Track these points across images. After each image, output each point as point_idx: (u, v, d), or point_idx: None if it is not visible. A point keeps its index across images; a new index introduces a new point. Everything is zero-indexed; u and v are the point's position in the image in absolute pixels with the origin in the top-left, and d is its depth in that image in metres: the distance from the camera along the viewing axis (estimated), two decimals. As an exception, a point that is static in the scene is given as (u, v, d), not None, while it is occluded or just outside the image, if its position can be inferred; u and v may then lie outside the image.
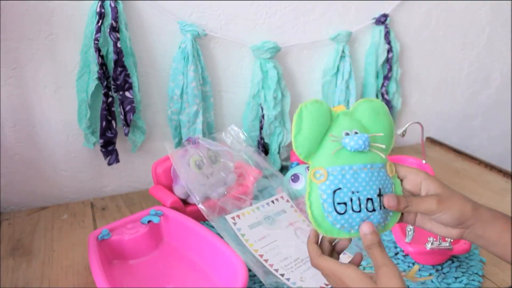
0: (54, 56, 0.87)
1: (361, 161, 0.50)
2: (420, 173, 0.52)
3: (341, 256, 0.57)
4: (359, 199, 0.50)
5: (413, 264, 0.73)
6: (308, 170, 0.52)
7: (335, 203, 0.49)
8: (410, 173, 0.53)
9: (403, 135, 0.83)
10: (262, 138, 1.05)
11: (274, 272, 0.68)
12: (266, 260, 0.69)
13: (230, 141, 0.90)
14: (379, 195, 0.51)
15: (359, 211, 0.50)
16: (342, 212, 0.49)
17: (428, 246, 0.67)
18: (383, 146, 0.52)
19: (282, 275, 0.67)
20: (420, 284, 0.69)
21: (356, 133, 0.51)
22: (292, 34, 1.05)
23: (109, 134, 0.90)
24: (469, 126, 1.41)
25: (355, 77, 1.09)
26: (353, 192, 0.50)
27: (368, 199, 0.50)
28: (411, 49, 1.21)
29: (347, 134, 0.51)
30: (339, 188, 0.50)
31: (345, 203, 0.50)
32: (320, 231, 0.50)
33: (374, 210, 0.50)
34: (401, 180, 0.53)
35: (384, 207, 0.51)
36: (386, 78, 1.15)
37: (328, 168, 0.50)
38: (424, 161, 0.91)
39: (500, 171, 1.09)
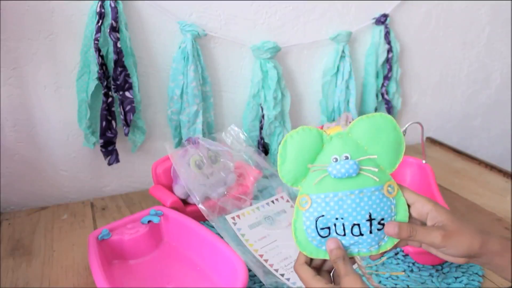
0: (54, 56, 0.87)
1: (348, 187, 0.49)
2: (428, 203, 0.50)
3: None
4: (343, 225, 0.50)
5: (413, 264, 0.73)
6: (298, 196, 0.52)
7: (318, 229, 0.50)
8: (418, 202, 0.51)
9: (403, 135, 0.83)
10: (262, 138, 1.05)
11: (274, 272, 0.68)
12: (266, 260, 0.69)
13: (230, 141, 0.90)
14: (370, 219, 0.50)
15: (344, 235, 0.50)
16: (326, 235, 0.50)
17: (428, 246, 0.67)
18: (375, 170, 0.50)
19: (282, 275, 0.67)
20: (420, 284, 0.69)
21: (346, 157, 0.50)
22: (292, 34, 1.05)
23: (109, 134, 0.90)
24: (469, 126, 1.41)
25: (355, 77, 1.09)
26: (337, 218, 0.49)
27: (354, 224, 0.49)
28: (411, 49, 1.21)
29: (336, 159, 0.50)
30: (322, 215, 0.50)
31: (328, 228, 0.50)
32: (306, 254, 0.51)
33: (362, 234, 0.50)
34: (408, 206, 0.51)
35: (379, 230, 0.50)
36: (386, 78, 1.15)
37: (312, 195, 0.50)
38: (424, 161, 0.90)
39: (500, 171, 1.09)
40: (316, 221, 0.50)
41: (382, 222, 0.50)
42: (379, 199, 0.50)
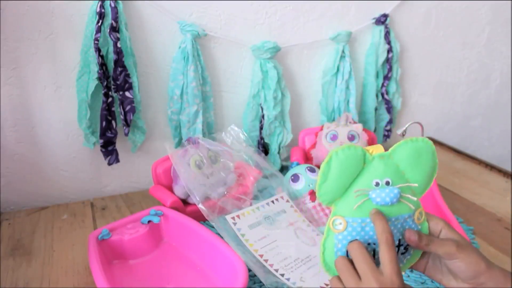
0: (54, 56, 0.87)
1: (385, 214, 0.49)
2: (440, 221, 0.52)
3: None
4: (374, 250, 0.49)
5: (413, 264, 0.73)
6: (330, 216, 0.51)
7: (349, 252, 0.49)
8: (431, 221, 0.52)
9: (403, 135, 0.83)
10: (262, 138, 1.05)
11: (274, 272, 0.68)
12: (266, 260, 0.69)
13: (230, 141, 0.90)
14: (398, 245, 0.50)
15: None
16: None
17: (428, 246, 0.67)
18: (415, 199, 0.50)
19: (282, 275, 0.67)
20: (420, 284, 0.69)
21: (387, 183, 0.49)
22: (292, 34, 1.05)
23: (109, 134, 0.90)
24: (469, 126, 1.41)
25: (355, 77, 1.09)
26: (369, 244, 0.49)
27: None
28: (411, 49, 1.21)
29: (377, 184, 0.49)
30: (356, 240, 0.49)
31: None
32: (329, 274, 0.50)
33: None
34: None
35: (402, 254, 0.51)
36: (386, 78, 1.14)
37: (348, 218, 0.49)
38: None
39: (500, 171, 1.09)
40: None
41: (407, 247, 0.51)
42: (409, 225, 0.50)
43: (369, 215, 0.49)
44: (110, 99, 0.88)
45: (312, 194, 0.85)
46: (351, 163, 0.49)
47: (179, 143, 0.99)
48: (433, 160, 0.52)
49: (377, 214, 0.48)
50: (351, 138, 0.97)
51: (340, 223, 0.49)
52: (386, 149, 0.52)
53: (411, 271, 0.72)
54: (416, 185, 0.50)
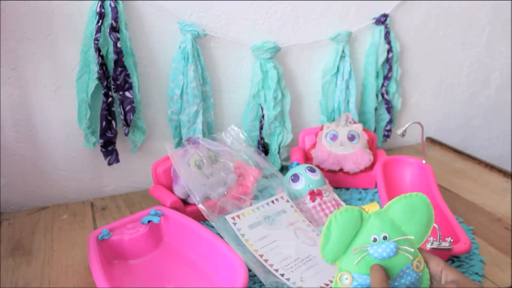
0: (54, 56, 0.87)
1: (387, 267, 0.52)
2: (441, 262, 0.55)
3: None
4: None
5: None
6: (336, 272, 0.54)
7: None
8: (432, 261, 0.55)
9: (403, 135, 0.83)
10: (262, 138, 1.05)
11: (274, 272, 0.68)
12: (266, 260, 0.69)
13: (230, 141, 0.90)
14: None
15: None
16: None
17: (428, 246, 0.67)
18: (412, 250, 0.53)
19: (282, 275, 0.67)
20: (420, 284, 0.69)
21: (385, 237, 0.53)
22: (292, 34, 1.05)
23: (109, 134, 0.90)
24: (469, 126, 1.41)
25: (355, 77, 1.09)
26: None
27: None
28: (411, 49, 1.21)
29: (375, 239, 0.53)
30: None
31: None
32: None
33: None
34: None
35: None
36: (386, 78, 1.14)
37: (354, 274, 0.53)
38: (424, 161, 0.90)
39: (500, 171, 1.09)
40: None
41: None
42: (409, 275, 0.54)
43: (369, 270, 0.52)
44: (110, 99, 0.88)
45: (312, 194, 0.85)
46: (349, 224, 0.53)
47: (179, 143, 0.99)
48: (429, 212, 0.55)
49: (374, 267, 0.52)
50: (351, 138, 0.97)
51: (346, 278, 0.53)
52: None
53: None
54: (412, 237, 0.54)
